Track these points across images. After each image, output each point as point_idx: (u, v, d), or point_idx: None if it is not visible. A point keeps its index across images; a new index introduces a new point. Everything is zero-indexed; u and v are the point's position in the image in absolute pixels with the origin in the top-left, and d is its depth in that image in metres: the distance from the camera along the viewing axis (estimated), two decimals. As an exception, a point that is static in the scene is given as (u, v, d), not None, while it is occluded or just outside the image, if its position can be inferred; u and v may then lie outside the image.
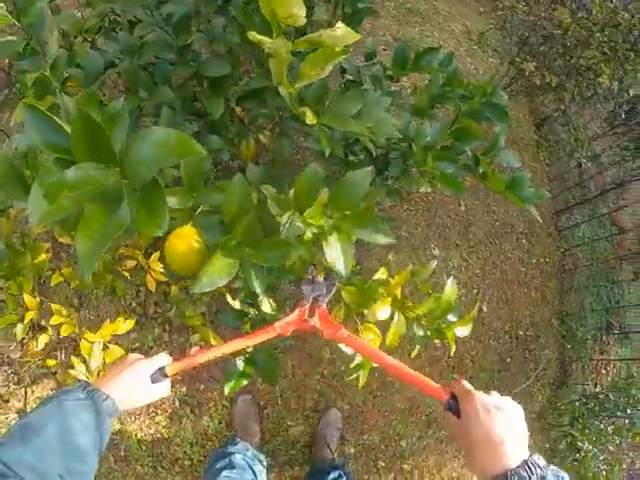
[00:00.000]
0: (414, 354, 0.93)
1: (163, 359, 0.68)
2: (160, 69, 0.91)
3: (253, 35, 0.53)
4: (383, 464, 1.68)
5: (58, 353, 1.52)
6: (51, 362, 1.35)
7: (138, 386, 0.64)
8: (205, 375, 1.66)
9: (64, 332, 1.08)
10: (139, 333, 1.68)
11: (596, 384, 2.04)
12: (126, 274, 1.20)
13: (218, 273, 0.62)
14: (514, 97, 1.96)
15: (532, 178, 2.12)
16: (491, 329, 1.82)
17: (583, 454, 1.51)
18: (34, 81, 0.73)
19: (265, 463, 1.33)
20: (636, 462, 1.64)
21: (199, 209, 0.70)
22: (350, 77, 1.09)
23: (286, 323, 0.68)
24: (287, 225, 0.64)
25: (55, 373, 1.42)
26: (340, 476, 1.29)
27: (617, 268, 2.24)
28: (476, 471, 0.53)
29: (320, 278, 0.72)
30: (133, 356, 0.68)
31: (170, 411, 1.66)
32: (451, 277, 0.88)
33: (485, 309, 1.82)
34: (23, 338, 1.33)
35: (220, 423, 1.64)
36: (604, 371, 2.23)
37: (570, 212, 2.19)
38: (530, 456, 0.50)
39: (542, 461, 0.49)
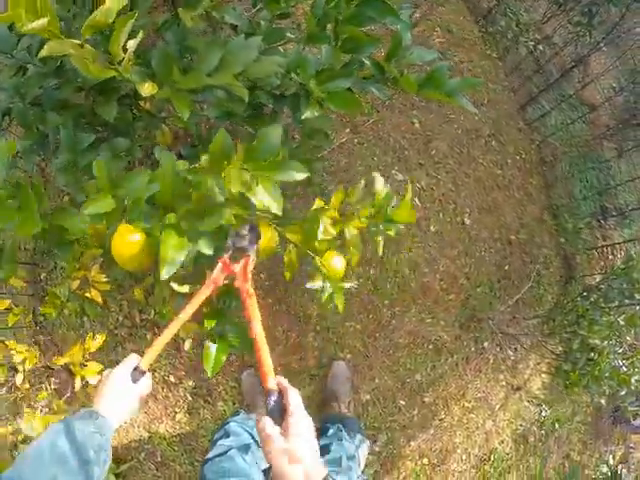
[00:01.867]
0: (380, 250, 0.88)
1: (133, 359, 0.72)
2: (47, 98, 0.93)
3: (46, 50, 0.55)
4: (403, 402, 1.64)
5: (45, 383, 1.51)
6: (42, 395, 1.37)
7: (122, 393, 0.68)
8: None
9: (29, 364, 1.12)
10: (135, 343, 1.68)
11: (605, 272, 1.96)
12: (80, 292, 1.18)
13: (175, 250, 0.65)
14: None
15: (487, 76, 2.00)
16: (480, 240, 1.74)
17: (598, 352, 1.41)
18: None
19: None
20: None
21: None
22: (246, 31, 1.03)
23: (215, 273, 0.72)
24: (217, 190, 0.64)
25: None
26: (339, 429, 1.26)
27: (599, 148, 2.12)
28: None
29: (244, 230, 0.74)
30: (106, 371, 0.71)
31: (186, 407, 1.66)
32: (378, 175, 0.81)
33: (468, 221, 1.73)
34: (7, 380, 1.33)
35: (234, 404, 1.64)
36: (611, 257, 2.15)
37: (536, 102, 2.07)
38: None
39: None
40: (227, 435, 1.09)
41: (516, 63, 2.06)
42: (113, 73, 0.66)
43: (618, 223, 2.12)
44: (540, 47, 1.97)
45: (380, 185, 0.80)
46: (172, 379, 1.68)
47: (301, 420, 0.53)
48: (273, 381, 0.58)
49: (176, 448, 1.64)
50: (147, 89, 0.70)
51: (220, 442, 1.05)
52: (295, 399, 0.55)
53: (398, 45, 0.91)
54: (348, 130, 1.65)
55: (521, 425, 1.83)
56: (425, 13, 1.91)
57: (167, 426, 1.66)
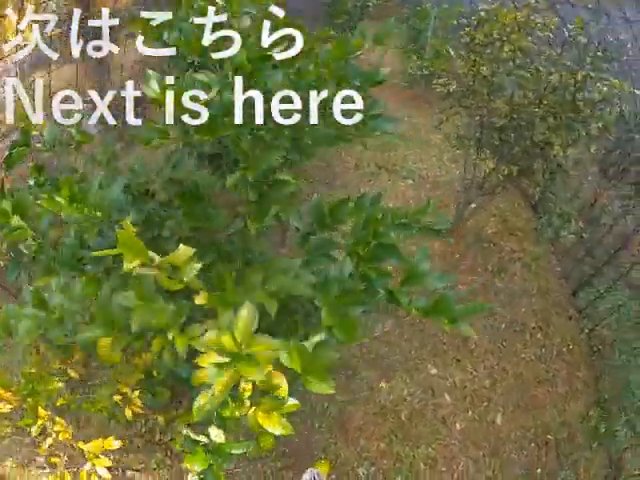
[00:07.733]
0: None
1: None
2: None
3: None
4: None
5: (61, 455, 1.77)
6: (55, 460, 1.75)
7: None
8: None
9: (61, 436, 1.48)
10: (146, 455, 1.87)
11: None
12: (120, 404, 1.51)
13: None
14: (490, 193, 1.96)
15: (539, 264, 2.05)
16: (510, 441, 1.75)
17: None
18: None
19: None
20: None
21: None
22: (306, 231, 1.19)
23: None
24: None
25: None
26: None
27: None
28: None
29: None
30: None
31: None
32: None
33: (499, 421, 1.76)
34: (36, 437, 1.68)
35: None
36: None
37: (588, 286, 2.06)
38: None
39: None
40: None
41: (567, 248, 2.09)
42: (180, 286, 0.90)
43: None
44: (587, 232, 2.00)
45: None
46: None
47: None
48: None
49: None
50: (200, 299, 0.93)
51: None
52: None
53: (414, 274, 1.04)
54: (392, 321, 1.81)
55: None
56: (481, 204, 2.04)
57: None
